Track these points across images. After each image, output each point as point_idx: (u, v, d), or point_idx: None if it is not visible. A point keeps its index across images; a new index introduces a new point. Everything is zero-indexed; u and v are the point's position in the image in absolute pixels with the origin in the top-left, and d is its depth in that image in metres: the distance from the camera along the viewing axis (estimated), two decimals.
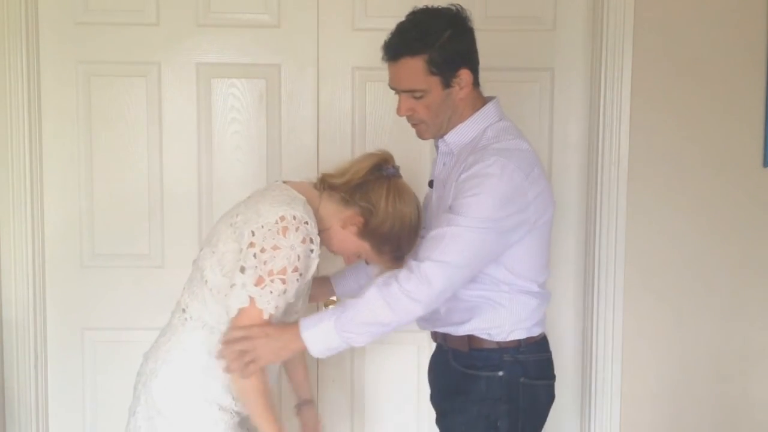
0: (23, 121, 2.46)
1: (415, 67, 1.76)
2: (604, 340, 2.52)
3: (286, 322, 1.74)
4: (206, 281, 1.73)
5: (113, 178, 2.55)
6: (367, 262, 1.92)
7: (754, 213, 2.50)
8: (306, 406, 2.09)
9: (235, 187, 2.53)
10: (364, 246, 1.80)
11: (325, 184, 1.81)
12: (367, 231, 1.77)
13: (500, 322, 1.79)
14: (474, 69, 1.81)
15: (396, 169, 1.81)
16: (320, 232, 1.73)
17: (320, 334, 1.65)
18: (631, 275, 2.51)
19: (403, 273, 1.65)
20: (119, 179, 2.55)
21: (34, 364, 2.54)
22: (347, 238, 1.79)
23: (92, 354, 2.60)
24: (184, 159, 2.55)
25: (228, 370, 1.66)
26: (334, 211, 1.78)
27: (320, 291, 2.12)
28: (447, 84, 1.78)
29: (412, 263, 1.66)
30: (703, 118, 2.48)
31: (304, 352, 1.70)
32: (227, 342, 1.65)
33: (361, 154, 1.86)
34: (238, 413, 1.77)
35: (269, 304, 1.64)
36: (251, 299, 1.64)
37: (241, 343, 1.63)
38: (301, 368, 2.07)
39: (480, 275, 1.76)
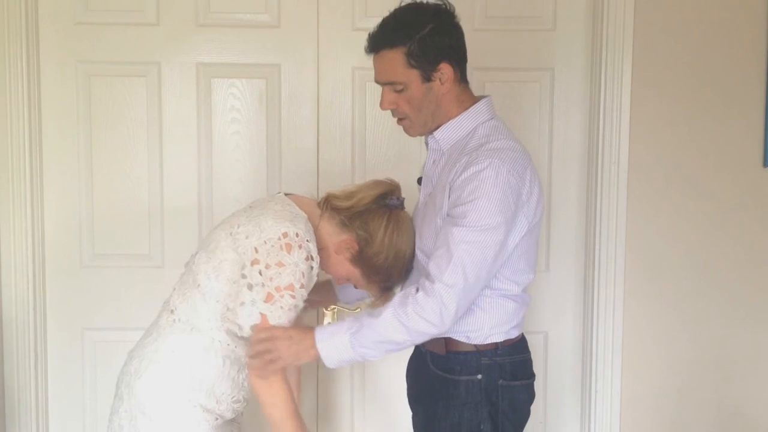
0: (23, 121, 2.46)
1: (394, 59, 1.75)
2: (604, 340, 2.52)
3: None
4: (198, 285, 1.73)
5: (113, 178, 2.55)
6: (355, 287, 1.91)
7: (754, 212, 2.50)
8: None
9: (235, 187, 2.54)
10: (355, 272, 1.81)
11: (329, 204, 1.81)
12: (360, 259, 1.78)
13: (479, 325, 1.78)
14: (458, 65, 1.79)
15: (401, 201, 1.82)
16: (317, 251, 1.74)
17: (335, 348, 1.67)
18: (631, 275, 2.51)
19: (419, 295, 1.65)
20: (119, 179, 2.55)
21: (34, 364, 2.53)
22: (339, 262, 1.81)
23: (92, 354, 2.60)
24: (184, 159, 2.55)
25: (250, 367, 1.68)
26: (331, 233, 1.79)
27: (324, 296, 2.11)
28: (427, 78, 1.76)
29: (426, 285, 1.66)
30: (703, 118, 2.48)
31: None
32: (252, 342, 1.66)
33: (370, 180, 1.87)
34: (221, 415, 1.77)
35: (281, 319, 1.66)
36: (263, 316, 1.66)
37: (264, 344, 1.65)
38: (294, 377, 2.05)
39: None
